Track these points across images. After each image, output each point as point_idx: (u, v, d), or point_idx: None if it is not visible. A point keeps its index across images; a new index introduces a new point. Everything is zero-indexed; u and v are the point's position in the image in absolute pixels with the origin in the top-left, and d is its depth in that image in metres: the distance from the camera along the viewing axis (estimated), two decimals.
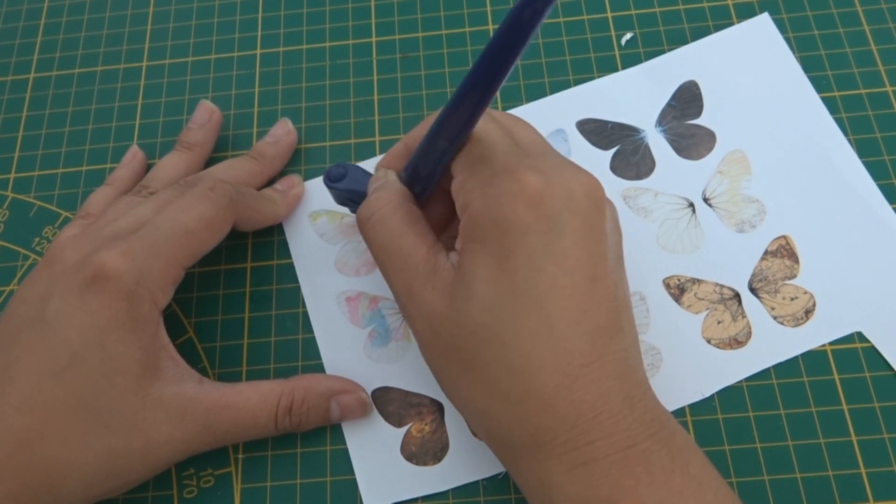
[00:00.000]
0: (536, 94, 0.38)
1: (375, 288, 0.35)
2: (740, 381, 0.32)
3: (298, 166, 0.38)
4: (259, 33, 0.42)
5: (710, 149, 0.36)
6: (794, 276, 0.33)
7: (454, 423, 0.32)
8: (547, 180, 0.25)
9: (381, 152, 0.38)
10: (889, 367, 0.31)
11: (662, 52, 0.39)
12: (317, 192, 0.37)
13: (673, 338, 0.32)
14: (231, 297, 0.35)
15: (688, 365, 0.32)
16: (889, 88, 0.37)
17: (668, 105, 0.37)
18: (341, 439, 0.32)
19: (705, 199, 0.35)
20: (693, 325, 0.33)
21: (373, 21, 0.41)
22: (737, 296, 0.33)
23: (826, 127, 0.36)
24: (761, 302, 0.33)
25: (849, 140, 0.36)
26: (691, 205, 0.35)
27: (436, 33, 0.40)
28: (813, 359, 0.32)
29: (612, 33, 0.39)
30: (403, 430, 0.32)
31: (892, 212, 0.34)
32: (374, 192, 0.29)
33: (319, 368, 0.33)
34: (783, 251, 0.34)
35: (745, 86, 0.37)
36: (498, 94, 0.38)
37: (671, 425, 0.26)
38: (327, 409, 0.31)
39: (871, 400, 0.31)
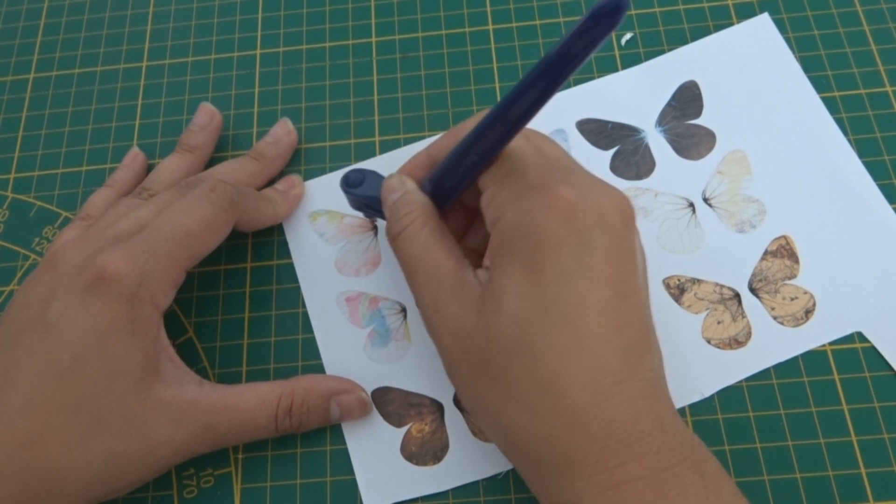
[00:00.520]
0: None
1: (375, 288, 0.35)
2: (740, 381, 0.32)
3: (298, 166, 0.38)
4: (259, 33, 0.42)
5: (710, 149, 0.36)
6: (794, 276, 0.33)
7: (454, 423, 0.32)
8: (580, 195, 0.25)
9: (381, 152, 0.38)
10: (889, 367, 0.31)
11: (662, 52, 0.39)
12: (317, 192, 0.37)
13: (673, 338, 0.32)
14: (231, 297, 0.35)
15: (688, 365, 0.32)
16: (889, 88, 0.37)
17: (668, 105, 0.37)
18: (341, 439, 0.32)
19: (705, 199, 0.35)
20: (693, 325, 0.33)
21: (373, 21, 0.41)
22: (737, 296, 0.33)
23: (826, 127, 0.36)
24: (761, 302, 0.33)
25: (849, 140, 0.36)
26: (691, 205, 0.35)
27: (436, 33, 0.40)
28: (813, 359, 0.32)
29: (612, 33, 0.39)
30: (403, 430, 0.32)
31: (892, 212, 0.34)
32: (401, 206, 0.29)
33: (319, 368, 0.33)
34: (783, 251, 0.34)
35: (745, 86, 0.37)
36: (498, 95, 0.38)
37: (701, 450, 0.25)
38: (327, 410, 0.31)
39: (871, 400, 0.31)
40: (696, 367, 0.32)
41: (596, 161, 0.36)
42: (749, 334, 0.32)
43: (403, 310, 0.34)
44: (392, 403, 0.32)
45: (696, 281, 0.34)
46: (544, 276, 0.24)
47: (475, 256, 0.28)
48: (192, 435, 0.29)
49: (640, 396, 0.24)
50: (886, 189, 0.34)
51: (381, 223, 0.36)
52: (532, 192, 0.25)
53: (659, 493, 0.23)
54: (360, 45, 0.41)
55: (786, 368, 0.32)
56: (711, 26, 0.39)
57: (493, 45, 0.40)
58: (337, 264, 0.35)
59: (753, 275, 0.33)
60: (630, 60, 0.39)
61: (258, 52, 0.41)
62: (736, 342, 0.32)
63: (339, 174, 0.37)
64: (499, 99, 0.38)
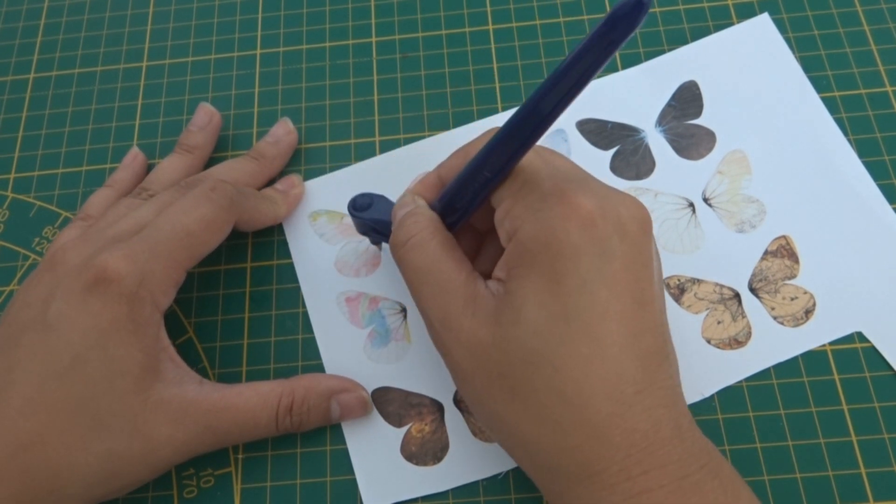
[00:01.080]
0: None
1: (375, 288, 0.35)
2: (740, 381, 0.32)
3: (298, 166, 0.38)
4: (259, 33, 0.42)
5: (710, 149, 0.36)
6: (794, 276, 0.33)
7: (454, 423, 0.32)
8: (598, 204, 0.25)
9: (381, 152, 0.38)
10: (889, 367, 0.31)
11: (662, 52, 0.39)
12: (317, 192, 0.37)
13: (673, 338, 0.32)
14: (231, 297, 0.35)
15: (688, 365, 0.32)
16: (889, 88, 0.37)
17: (668, 105, 0.37)
18: (341, 439, 0.32)
19: (705, 199, 0.35)
20: (693, 325, 0.33)
21: (373, 21, 0.41)
22: (737, 296, 0.33)
23: (826, 127, 0.36)
24: (761, 302, 0.33)
25: (849, 140, 0.36)
26: (691, 205, 0.35)
27: (436, 33, 0.40)
28: (813, 359, 0.32)
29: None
30: (403, 430, 0.32)
31: (892, 212, 0.34)
32: (408, 216, 0.29)
33: (319, 368, 0.33)
34: (783, 251, 0.34)
35: (745, 86, 0.37)
36: (498, 95, 0.39)
37: (717, 456, 0.25)
38: (328, 409, 0.31)
39: (871, 400, 0.31)
40: (696, 367, 0.32)
41: (596, 161, 0.36)
42: (749, 334, 0.32)
43: (403, 310, 0.34)
44: (392, 403, 0.32)
45: (696, 281, 0.34)
46: (565, 286, 0.24)
47: (486, 278, 0.28)
48: (192, 434, 0.29)
49: (661, 405, 0.24)
50: (886, 189, 0.34)
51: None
52: (549, 203, 0.25)
53: (681, 501, 0.23)
54: (360, 45, 0.41)
55: (786, 368, 0.32)
56: (711, 26, 0.39)
57: (493, 45, 0.40)
58: (337, 264, 0.35)
59: (753, 275, 0.33)
60: (630, 60, 0.39)
61: (258, 52, 0.41)
62: (736, 342, 0.32)
63: (340, 174, 0.37)
64: (499, 100, 0.38)
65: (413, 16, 0.41)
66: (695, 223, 0.35)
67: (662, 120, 0.37)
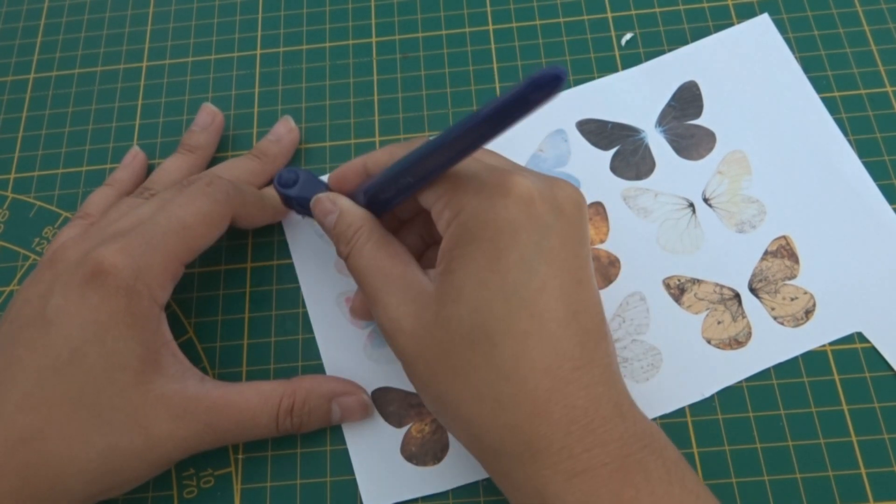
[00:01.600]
0: None
1: None
2: (740, 381, 0.32)
3: (298, 167, 0.38)
4: (259, 33, 0.42)
5: (710, 149, 0.36)
6: (794, 277, 0.33)
7: None
8: (535, 184, 0.26)
9: None
10: (889, 367, 0.31)
11: (662, 52, 0.39)
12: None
13: (673, 338, 0.32)
14: (231, 297, 0.35)
15: (688, 365, 0.32)
16: (889, 88, 0.37)
17: (668, 105, 0.37)
18: (341, 439, 0.32)
19: (705, 200, 0.35)
20: (693, 325, 0.33)
21: (373, 21, 0.41)
22: (737, 296, 0.33)
23: (826, 127, 0.36)
24: (761, 302, 0.33)
25: (849, 140, 0.36)
26: (691, 205, 0.35)
27: (436, 33, 0.40)
28: (813, 359, 0.32)
29: (612, 33, 0.39)
30: (403, 430, 0.32)
31: (892, 212, 0.34)
32: (340, 224, 0.29)
33: (319, 369, 0.33)
34: (783, 251, 0.34)
35: (745, 86, 0.37)
36: (497, 95, 0.38)
37: (661, 438, 0.26)
38: (328, 411, 0.31)
39: (871, 400, 0.31)
40: (696, 367, 0.32)
41: (596, 161, 0.36)
42: (749, 334, 0.32)
43: None
44: (392, 403, 0.32)
45: (696, 281, 0.34)
46: (505, 262, 0.25)
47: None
48: (193, 431, 0.29)
49: (599, 383, 0.25)
50: (886, 189, 0.34)
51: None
52: (489, 186, 0.26)
53: (625, 479, 0.24)
54: (361, 46, 0.41)
55: (786, 368, 0.32)
56: (711, 26, 0.39)
57: (493, 45, 0.40)
58: (337, 264, 0.35)
59: (753, 275, 0.33)
60: (630, 60, 0.39)
61: (258, 52, 0.41)
62: (736, 342, 0.32)
63: None
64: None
65: (413, 16, 0.41)
66: (695, 223, 0.35)
67: (662, 120, 0.37)
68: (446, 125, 0.38)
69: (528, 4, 0.41)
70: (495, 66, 0.39)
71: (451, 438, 0.32)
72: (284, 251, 0.36)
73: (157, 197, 0.32)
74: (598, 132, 0.37)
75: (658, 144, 0.37)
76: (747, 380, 0.32)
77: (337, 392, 0.31)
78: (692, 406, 0.31)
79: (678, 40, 0.39)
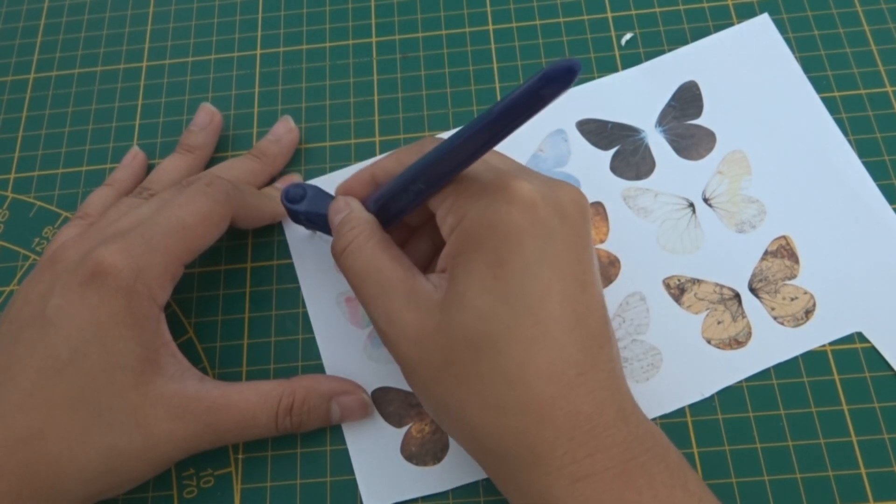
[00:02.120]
0: None
1: None
2: (740, 381, 0.32)
3: (298, 166, 0.38)
4: (259, 33, 0.42)
5: (710, 149, 0.36)
6: (794, 277, 0.33)
7: None
8: (537, 189, 0.26)
9: (381, 152, 0.38)
10: (889, 367, 0.31)
11: (662, 52, 0.39)
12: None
13: (673, 338, 0.32)
14: (231, 297, 0.35)
15: (688, 365, 0.32)
16: (889, 88, 0.37)
17: (668, 105, 0.37)
18: (341, 439, 0.32)
19: (705, 200, 0.35)
20: (693, 325, 0.33)
21: (373, 21, 0.41)
22: (737, 296, 0.33)
23: (826, 127, 0.36)
24: (761, 302, 0.33)
25: (849, 140, 0.36)
26: (691, 205, 0.35)
27: (436, 33, 0.40)
28: (813, 359, 0.32)
29: (612, 33, 0.39)
30: (403, 430, 0.32)
31: (892, 212, 0.34)
32: (345, 223, 0.29)
33: (319, 369, 0.33)
34: (783, 251, 0.34)
35: (745, 86, 0.37)
36: (498, 95, 0.38)
37: (663, 441, 0.26)
38: (328, 410, 0.31)
39: (871, 400, 0.31)
40: (696, 367, 0.32)
41: (596, 161, 0.36)
42: (749, 334, 0.32)
43: None
44: (392, 403, 0.32)
45: (696, 281, 0.34)
46: (509, 268, 0.25)
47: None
48: (192, 431, 0.29)
49: (603, 387, 0.25)
50: (886, 189, 0.34)
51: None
52: (491, 191, 0.26)
53: (627, 484, 0.24)
54: (361, 45, 0.41)
55: (786, 368, 0.32)
56: (711, 26, 0.39)
57: (493, 45, 0.40)
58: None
59: (753, 275, 0.33)
60: (630, 60, 0.39)
61: (258, 52, 0.41)
62: (736, 342, 0.32)
63: (340, 174, 0.37)
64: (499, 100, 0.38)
65: (413, 16, 0.41)
66: (695, 223, 0.35)
67: (662, 120, 0.37)
68: (446, 125, 0.38)
69: (528, 4, 0.41)
70: (495, 66, 0.39)
71: (451, 439, 0.31)
72: (284, 251, 0.36)
73: (156, 197, 0.32)
74: (598, 132, 0.37)
75: (658, 144, 0.37)
76: (747, 380, 0.32)
77: (336, 391, 0.31)
78: (692, 406, 0.31)
79: (678, 40, 0.39)
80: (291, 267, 0.36)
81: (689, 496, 0.24)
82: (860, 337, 0.32)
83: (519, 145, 0.37)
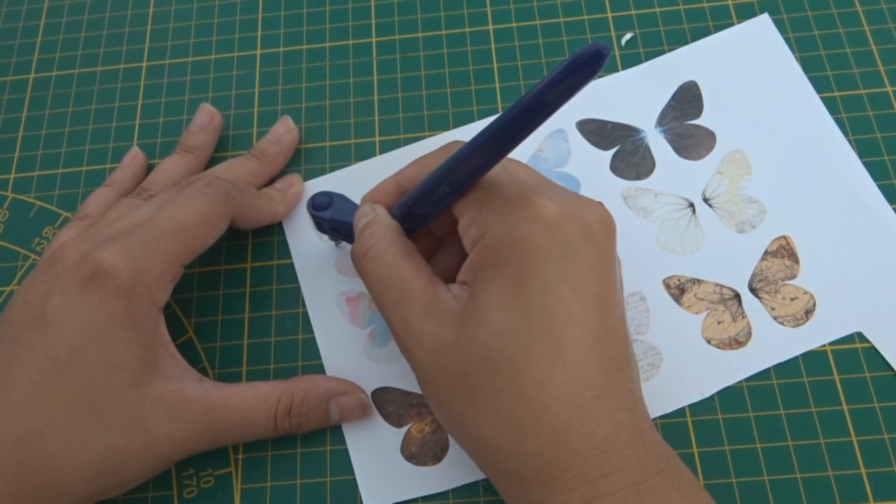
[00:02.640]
0: None
1: None
2: (740, 381, 0.32)
3: (298, 166, 0.38)
4: (259, 33, 0.42)
5: (710, 149, 0.36)
6: (794, 277, 0.33)
7: None
8: (562, 207, 0.25)
9: (381, 152, 0.38)
10: (889, 367, 0.31)
11: (662, 52, 0.39)
12: (317, 192, 0.37)
13: (673, 338, 0.32)
14: (231, 297, 0.35)
15: (688, 365, 0.32)
16: (889, 88, 0.37)
17: (668, 105, 0.37)
18: (341, 439, 0.32)
19: (705, 200, 0.35)
20: (693, 325, 0.33)
21: (373, 21, 0.41)
22: (737, 296, 0.33)
23: (826, 127, 0.36)
24: (761, 302, 0.33)
25: (849, 140, 0.36)
26: (691, 205, 0.35)
27: (436, 33, 0.40)
28: (813, 359, 0.32)
29: (612, 33, 0.39)
30: (403, 430, 0.32)
31: (892, 212, 0.34)
32: (367, 227, 0.29)
33: (319, 369, 0.33)
34: (783, 251, 0.34)
35: (745, 86, 0.37)
36: (498, 95, 0.39)
37: (676, 461, 0.25)
38: (327, 411, 0.31)
39: (871, 400, 0.31)
40: (696, 367, 0.32)
41: (596, 161, 0.36)
42: (749, 334, 0.32)
43: None
44: (392, 403, 0.32)
45: (696, 281, 0.34)
46: (529, 288, 0.24)
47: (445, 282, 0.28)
48: (191, 431, 0.29)
49: (621, 409, 0.24)
50: (886, 189, 0.34)
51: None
52: (514, 207, 0.25)
53: None
54: (360, 45, 0.41)
55: (786, 368, 0.32)
56: (711, 26, 0.39)
57: (493, 45, 0.40)
58: (337, 264, 0.35)
59: (753, 275, 0.33)
60: (630, 60, 0.39)
61: (258, 52, 0.41)
62: (736, 342, 0.32)
63: (340, 174, 0.37)
64: (499, 100, 0.38)
65: (413, 16, 0.41)
66: (695, 223, 0.35)
67: (662, 120, 0.37)
68: (446, 125, 0.38)
69: (528, 4, 0.41)
70: (495, 66, 0.39)
71: (452, 439, 0.31)
72: (284, 251, 0.36)
73: (156, 198, 0.32)
74: (598, 132, 0.37)
75: (658, 144, 0.37)
76: (747, 380, 0.32)
77: (335, 392, 0.31)
78: (692, 406, 0.31)
79: (678, 40, 0.39)
80: (291, 267, 0.36)
81: None
82: (860, 337, 0.32)
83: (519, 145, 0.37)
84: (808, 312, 0.33)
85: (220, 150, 0.38)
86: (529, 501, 0.25)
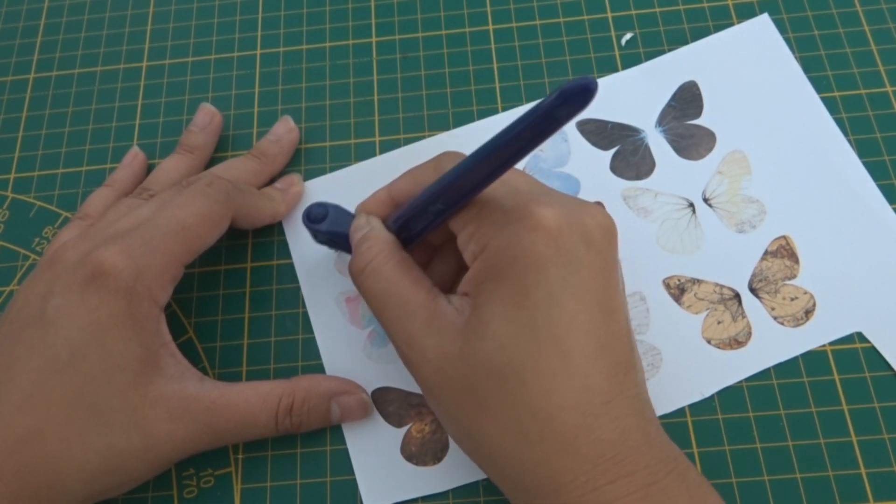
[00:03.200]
0: (537, 94, 0.38)
1: None
2: (740, 381, 0.32)
3: (298, 166, 0.38)
4: (259, 33, 0.42)
5: (710, 149, 0.36)
6: (794, 277, 0.33)
7: None
8: (561, 214, 0.25)
9: (381, 152, 0.38)
10: (889, 367, 0.31)
11: (662, 52, 0.39)
12: (317, 192, 0.37)
13: (673, 338, 0.32)
14: (231, 297, 0.35)
15: (688, 365, 0.32)
16: (889, 88, 0.37)
17: (668, 105, 0.37)
18: (341, 439, 0.32)
19: (705, 200, 0.35)
20: (693, 325, 0.33)
21: (373, 21, 0.41)
22: (737, 296, 0.33)
23: (826, 127, 0.36)
24: (761, 302, 0.33)
25: (849, 140, 0.36)
26: (691, 205, 0.35)
27: (436, 33, 0.40)
28: (813, 359, 0.32)
29: (612, 33, 0.39)
30: (403, 430, 0.32)
31: (892, 212, 0.34)
32: (363, 241, 0.29)
33: (319, 369, 0.33)
34: (783, 251, 0.34)
35: (745, 86, 0.37)
36: (498, 95, 0.39)
37: (683, 461, 0.25)
38: (328, 410, 0.31)
39: (871, 400, 0.31)
40: (696, 367, 0.32)
41: (596, 161, 0.36)
42: (749, 334, 0.32)
43: None
44: (392, 403, 0.32)
45: (696, 281, 0.34)
46: (533, 299, 0.24)
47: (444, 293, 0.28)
48: (192, 431, 0.29)
49: (628, 414, 0.24)
50: (886, 189, 0.34)
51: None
52: (514, 218, 0.25)
53: None
54: (360, 45, 0.41)
55: (786, 368, 0.32)
56: (711, 26, 0.39)
57: (493, 45, 0.40)
58: (337, 264, 0.35)
59: (753, 275, 0.33)
60: (630, 60, 0.39)
61: (258, 52, 0.41)
62: (736, 342, 0.32)
63: (340, 174, 0.37)
64: (499, 100, 0.38)
65: (413, 16, 0.41)
66: (695, 223, 0.35)
67: (662, 120, 0.37)
68: (446, 125, 0.38)
69: (528, 4, 0.41)
70: (495, 66, 0.39)
71: (453, 441, 0.32)
72: (284, 251, 0.36)
73: (156, 198, 0.32)
74: (598, 132, 0.37)
75: (658, 144, 0.37)
76: (747, 380, 0.32)
77: (336, 391, 0.31)
78: (692, 406, 0.31)
79: (678, 40, 0.39)
80: (291, 267, 0.36)
81: None
82: (860, 337, 0.32)
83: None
84: (808, 312, 0.33)
85: (220, 150, 0.38)
86: None
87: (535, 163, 0.37)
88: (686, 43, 0.39)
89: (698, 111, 0.37)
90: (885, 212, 0.34)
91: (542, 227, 0.25)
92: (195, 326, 0.35)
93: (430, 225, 0.28)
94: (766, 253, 0.34)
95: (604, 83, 0.38)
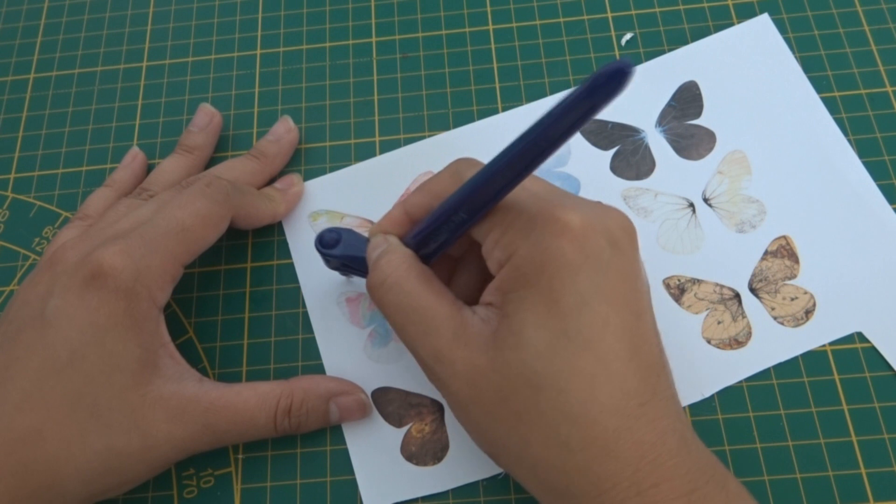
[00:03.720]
0: (536, 94, 0.38)
1: None
2: (740, 381, 0.32)
3: (298, 166, 0.38)
4: (259, 33, 0.42)
5: (710, 149, 0.36)
6: (794, 277, 0.33)
7: (454, 423, 0.32)
8: (585, 218, 0.25)
9: (381, 152, 0.38)
10: (889, 367, 0.31)
11: (662, 52, 0.39)
12: (317, 192, 0.37)
13: (673, 338, 0.32)
14: (231, 297, 0.35)
15: (688, 365, 0.32)
16: (889, 88, 0.37)
17: (668, 105, 0.37)
18: (341, 439, 0.32)
19: (705, 200, 0.35)
20: (693, 325, 0.33)
21: (373, 21, 0.41)
22: (737, 296, 0.33)
23: (826, 127, 0.36)
24: (761, 302, 0.33)
25: (849, 140, 0.36)
26: (691, 205, 0.35)
27: (436, 33, 0.40)
28: (813, 359, 0.32)
29: (612, 33, 0.39)
30: (403, 430, 0.32)
31: (892, 212, 0.34)
32: (382, 255, 0.28)
33: (319, 369, 0.33)
34: (783, 251, 0.34)
35: (745, 86, 0.37)
36: (498, 95, 0.39)
37: (721, 468, 0.25)
38: (326, 411, 0.31)
39: (871, 400, 0.31)
40: (696, 367, 0.32)
41: (596, 161, 0.36)
42: (749, 334, 0.32)
43: None
44: (392, 403, 0.32)
45: (696, 281, 0.34)
46: (564, 305, 0.24)
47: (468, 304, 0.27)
48: (191, 432, 0.29)
49: (664, 416, 0.24)
50: (886, 189, 0.34)
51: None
52: (538, 224, 0.25)
53: None
54: (360, 45, 0.41)
55: (786, 368, 0.32)
56: (711, 26, 0.39)
57: (493, 45, 0.40)
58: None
59: (753, 275, 0.33)
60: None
61: (258, 52, 0.41)
62: (736, 342, 0.32)
63: (340, 174, 0.37)
64: (499, 100, 0.38)
65: (413, 16, 0.41)
66: (695, 223, 0.35)
67: (662, 120, 0.37)
68: (446, 125, 0.38)
69: (528, 4, 0.41)
70: (495, 65, 0.39)
71: (451, 438, 0.31)
72: (284, 251, 0.36)
73: (156, 198, 0.32)
74: (598, 132, 0.37)
75: (658, 144, 0.37)
76: (747, 380, 0.32)
77: (335, 392, 0.31)
78: (692, 406, 0.31)
79: (678, 40, 0.39)
80: (291, 267, 0.36)
81: None
82: (860, 337, 0.32)
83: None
84: (808, 312, 0.33)
85: (220, 150, 0.38)
86: None
87: None
88: (686, 43, 0.39)
89: (698, 111, 0.37)
90: (886, 212, 0.34)
91: (568, 231, 0.24)
92: (195, 326, 0.35)
93: (452, 236, 0.27)
94: (766, 253, 0.34)
95: None
